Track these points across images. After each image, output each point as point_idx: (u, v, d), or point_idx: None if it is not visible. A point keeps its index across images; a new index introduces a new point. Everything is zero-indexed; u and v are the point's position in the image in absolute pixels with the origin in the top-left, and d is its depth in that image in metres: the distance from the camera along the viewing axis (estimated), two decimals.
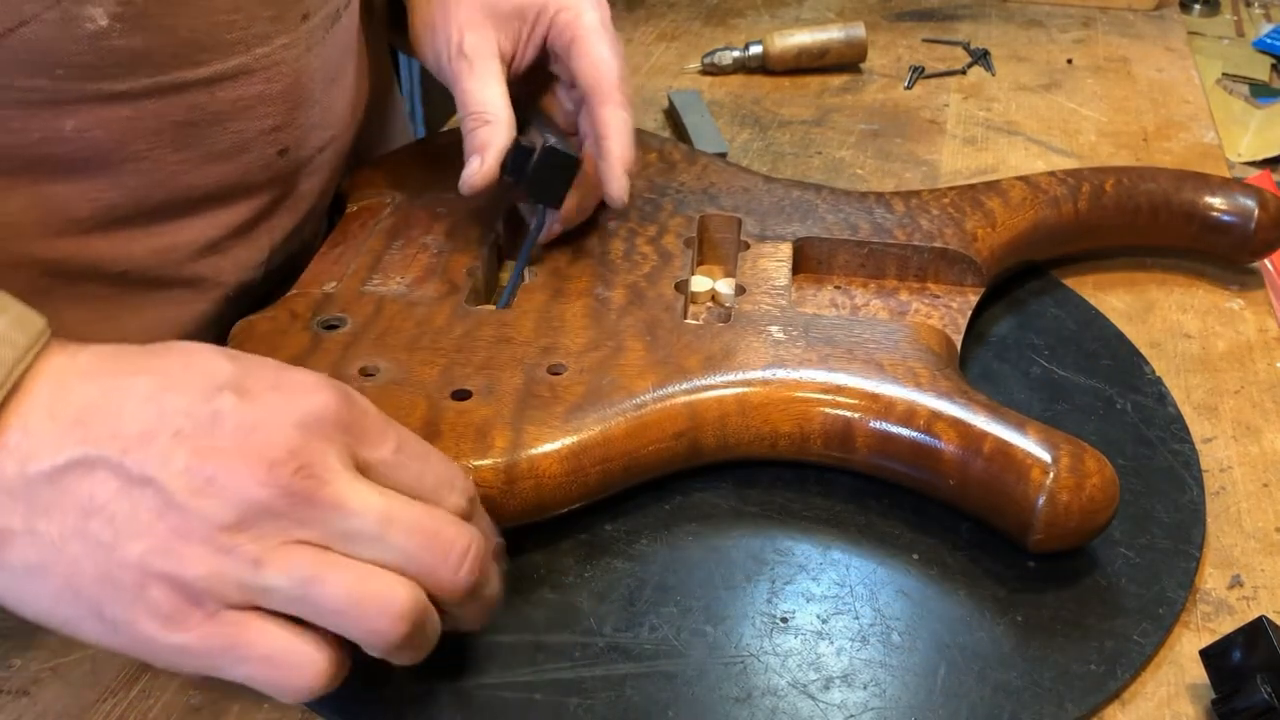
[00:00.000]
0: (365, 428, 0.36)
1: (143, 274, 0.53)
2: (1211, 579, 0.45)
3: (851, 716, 0.39)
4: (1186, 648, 0.42)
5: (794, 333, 0.50)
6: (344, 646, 0.35)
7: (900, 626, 0.42)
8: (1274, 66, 1.28)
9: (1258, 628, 0.38)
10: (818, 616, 0.43)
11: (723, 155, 0.74)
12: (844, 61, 0.91)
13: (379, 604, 0.34)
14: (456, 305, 0.52)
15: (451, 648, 0.40)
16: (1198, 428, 0.53)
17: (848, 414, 0.46)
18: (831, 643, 0.42)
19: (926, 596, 0.44)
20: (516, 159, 0.54)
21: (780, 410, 0.47)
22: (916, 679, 0.40)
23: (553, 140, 0.54)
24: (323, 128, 0.58)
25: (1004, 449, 0.44)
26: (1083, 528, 0.43)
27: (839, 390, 0.47)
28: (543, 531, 0.45)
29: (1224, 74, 1.26)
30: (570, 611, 0.42)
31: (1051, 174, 0.63)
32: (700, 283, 0.57)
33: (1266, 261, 0.66)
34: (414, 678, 0.39)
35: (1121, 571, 0.44)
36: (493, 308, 0.52)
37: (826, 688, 0.40)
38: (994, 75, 0.92)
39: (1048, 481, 0.42)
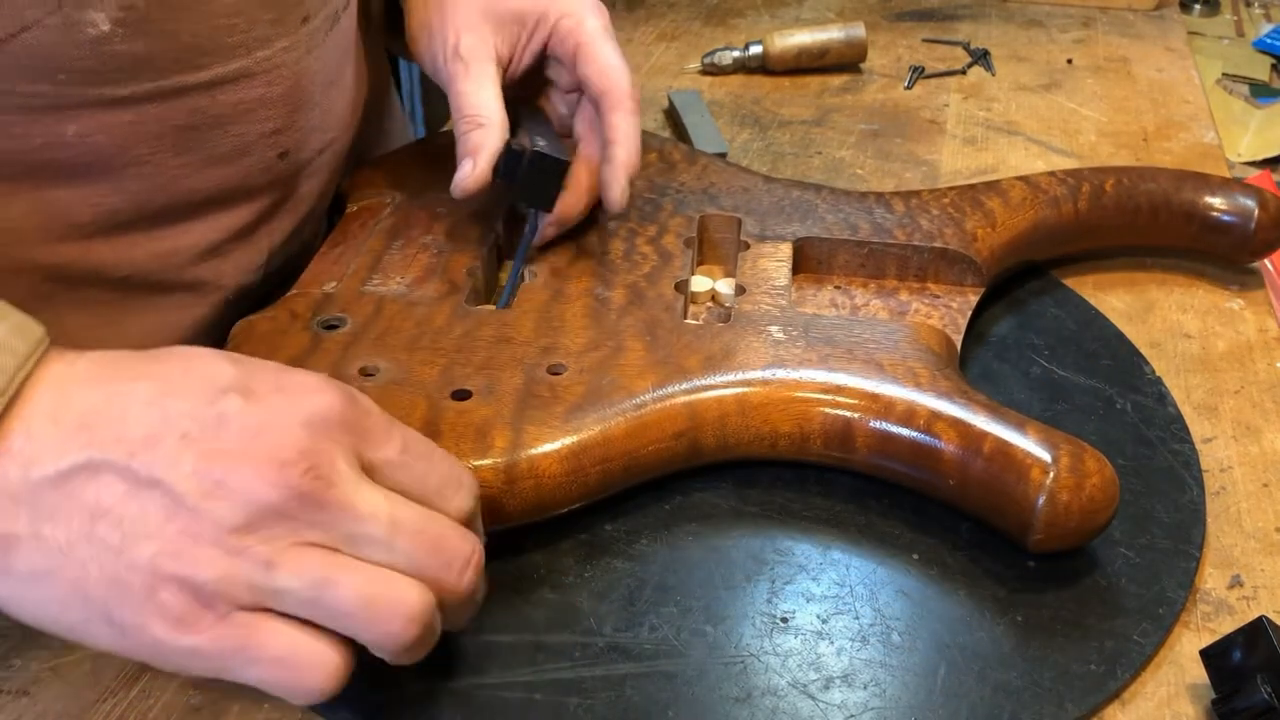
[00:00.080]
0: (370, 428, 0.36)
1: (144, 278, 0.53)
2: (1211, 579, 0.45)
3: (851, 716, 0.39)
4: (1186, 648, 0.42)
5: (794, 333, 0.50)
6: (352, 648, 0.35)
7: (900, 626, 0.42)
8: (1274, 66, 1.28)
9: (1258, 628, 0.38)
10: (818, 616, 0.43)
11: (723, 155, 0.74)
12: (844, 61, 0.91)
13: (391, 606, 0.34)
14: (456, 305, 0.52)
15: (451, 648, 0.40)
16: (1198, 428, 0.53)
17: (848, 414, 0.46)
18: (831, 643, 0.42)
19: (926, 596, 0.44)
20: (508, 162, 0.54)
21: (780, 410, 0.47)
22: (916, 679, 0.40)
23: (541, 144, 0.54)
24: (322, 130, 0.58)
25: (1004, 449, 0.44)
26: (1083, 528, 0.43)
27: (839, 390, 0.47)
28: (543, 531, 0.45)
29: (1224, 74, 1.26)
30: (570, 611, 0.42)
31: (1051, 174, 0.63)
32: (700, 283, 0.57)
33: (1266, 261, 0.66)
34: (414, 677, 0.39)
35: (1121, 571, 0.44)
36: (493, 308, 0.52)
37: (826, 688, 0.40)
38: (994, 75, 0.92)
39: (1048, 481, 0.42)
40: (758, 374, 0.47)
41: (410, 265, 0.55)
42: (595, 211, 0.59)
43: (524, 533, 0.44)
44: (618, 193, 0.55)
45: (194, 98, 0.50)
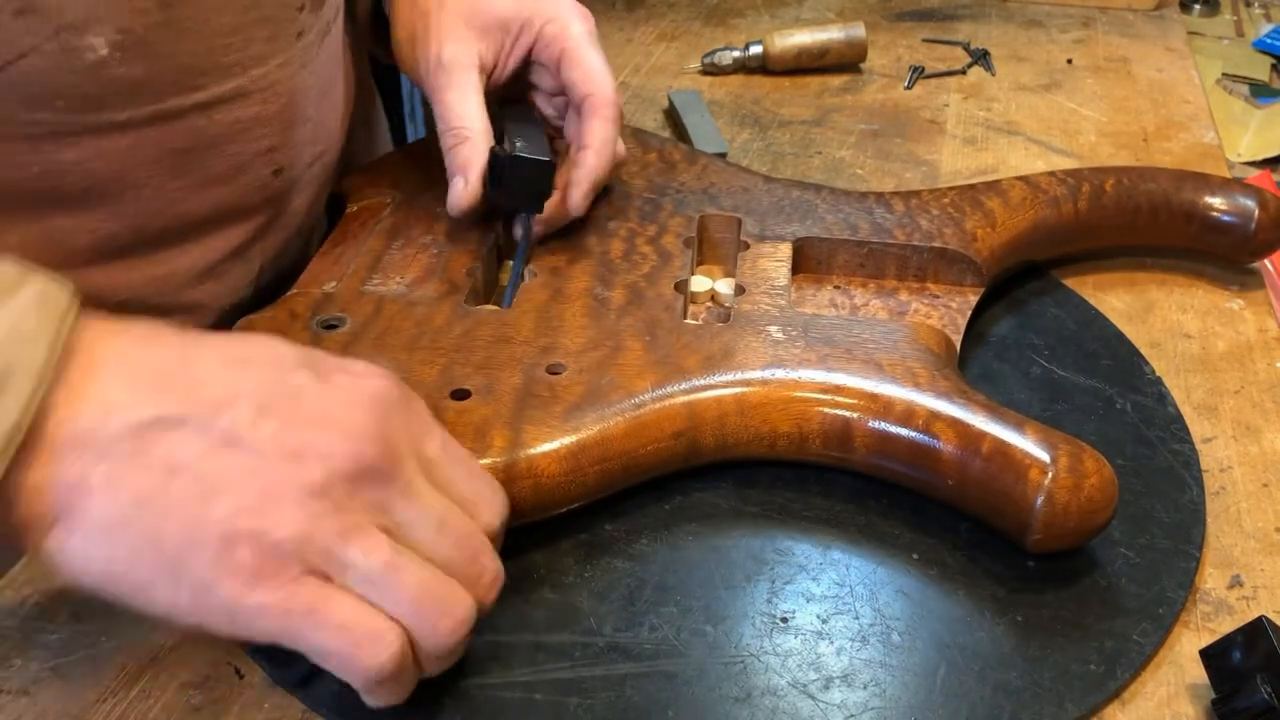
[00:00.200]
0: (420, 417, 0.38)
1: (141, 302, 0.53)
2: (1211, 579, 0.45)
3: (851, 716, 0.39)
4: (1186, 648, 0.42)
5: (793, 333, 0.50)
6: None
7: (900, 626, 0.42)
8: (1274, 66, 1.28)
9: (1258, 628, 0.38)
10: (818, 616, 0.43)
11: (723, 155, 0.74)
12: (844, 61, 0.91)
13: (445, 605, 0.35)
14: (456, 305, 0.52)
15: None
16: (1198, 428, 0.53)
17: (846, 414, 0.46)
18: (831, 643, 0.42)
19: (926, 596, 0.44)
20: (492, 168, 0.54)
21: (779, 410, 0.47)
22: (916, 679, 0.40)
23: (520, 146, 0.54)
24: (314, 143, 0.58)
25: (1002, 449, 0.44)
26: (1081, 528, 0.43)
27: (838, 390, 0.47)
28: (543, 531, 0.45)
29: (1224, 74, 1.26)
30: (570, 611, 0.42)
31: (1051, 174, 0.63)
32: (700, 283, 0.57)
33: (1266, 261, 0.66)
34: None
35: (1121, 571, 0.44)
36: (492, 307, 0.52)
37: (826, 688, 0.40)
38: (994, 75, 0.92)
39: (1046, 482, 0.42)
40: (756, 374, 0.47)
41: (410, 265, 0.55)
42: (595, 211, 0.59)
43: (524, 533, 0.44)
44: (578, 198, 0.56)
45: (191, 119, 0.50)
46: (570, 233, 0.57)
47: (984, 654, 0.41)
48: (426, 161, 0.63)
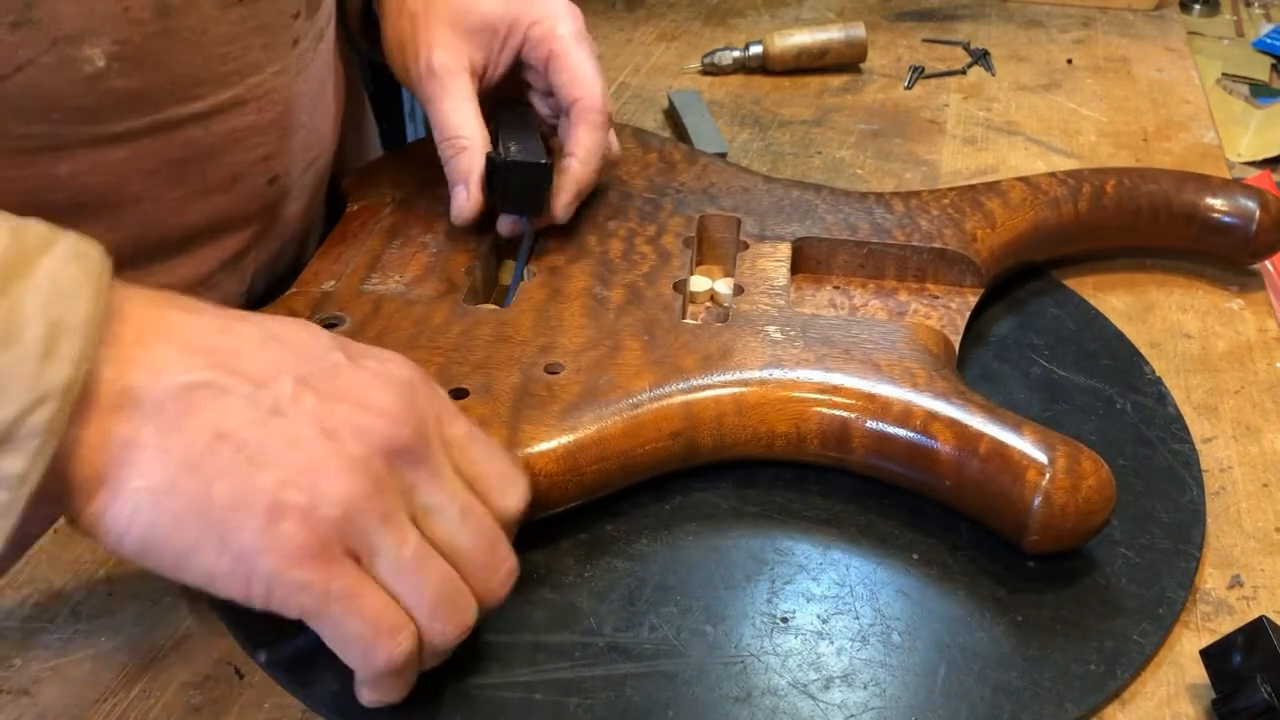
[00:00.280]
0: (445, 402, 0.38)
1: None
2: (1211, 579, 0.45)
3: (851, 716, 0.39)
4: (1186, 648, 0.42)
5: (791, 333, 0.50)
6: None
7: (900, 626, 0.42)
8: (1274, 66, 1.28)
9: (1258, 628, 0.38)
10: (818, 616, 0.43)
11: (723, 155, 0.74)
12: (844, 61, 0.91)
13: (456, 607, 0.36)
14: (455, 304, 0.52)
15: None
16: (1198, 428, 0.53)
17: (844, 414, 0.46)
18: (831, 643, 0.42)
19: (926, 596, 0.43)
20: (489, 174, 0.54)
21: (777, 410, 0.47)
22: (916, 679, 0.40)
23: (515, 150, 0.54)
24: (307, 149, 0.58)
25: (1000, 450, 0.44)
26: (1079, 529, 0.43)
27: (835, 390, 0.47)
28: (543, 531, 0.45)
29: (1224, 74, 1.26)
30: (570, 611, 0.42)
31: (1051, 175, 0.63)
32: (699, 282, 0.57)
33: (1267, 262, 0.66)
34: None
35: (1121, 571, 0.44)
36: (491, 307, 0.52)
37: (826, 688, 0.40)
38: (994, 75, 0.92)
39: (1043, 483, 0.42)
40: (755, 374, 0.47)
41: (409, 264, 0.55)
42: (594, 211, 0.59)
43: (524, 532, 0.44)
44: (562, 204, 0.56)
45: (188, 129, 0.50)
46: (570, 232, 0.57)
47: (984, 654, 0.41)
48: (426, 161, 0.63)
